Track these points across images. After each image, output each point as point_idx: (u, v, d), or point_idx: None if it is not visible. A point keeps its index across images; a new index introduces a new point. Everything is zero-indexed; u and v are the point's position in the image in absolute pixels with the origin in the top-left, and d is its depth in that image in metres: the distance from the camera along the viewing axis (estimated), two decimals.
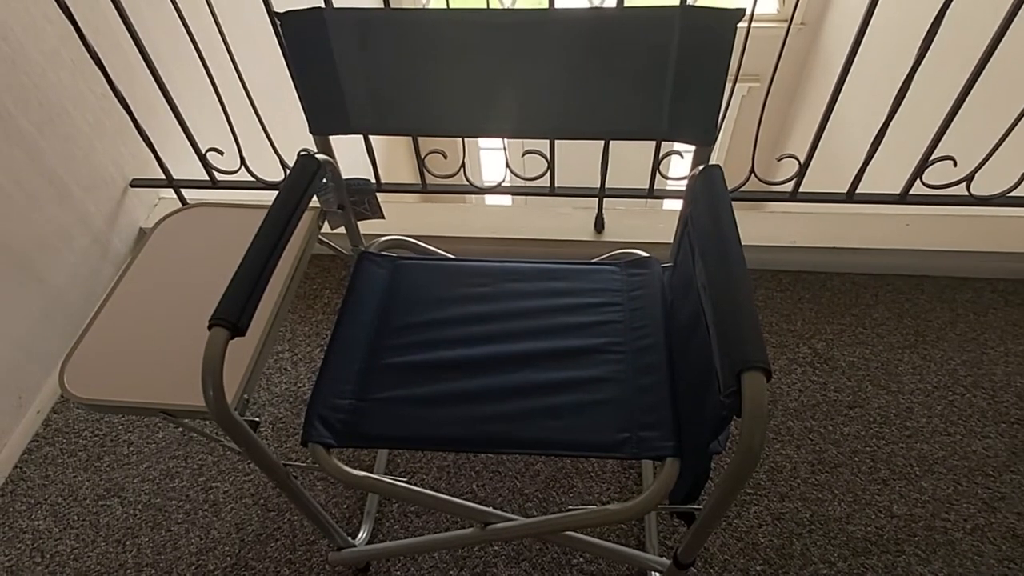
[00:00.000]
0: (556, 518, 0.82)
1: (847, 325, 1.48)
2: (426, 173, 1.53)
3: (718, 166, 0.83)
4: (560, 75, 0.85)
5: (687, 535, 0.81)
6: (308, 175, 0.88)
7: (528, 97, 0.87)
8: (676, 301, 0.93)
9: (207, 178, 1.62)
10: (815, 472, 1.23)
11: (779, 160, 1.47)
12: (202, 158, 1.56)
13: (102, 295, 1.57)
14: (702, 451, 0.75)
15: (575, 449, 0.80)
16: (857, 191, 1.49)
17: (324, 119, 0.93)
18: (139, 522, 1.23)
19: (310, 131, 0.95)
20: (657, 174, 1.48)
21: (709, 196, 0.80)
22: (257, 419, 0.79)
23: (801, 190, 1.52)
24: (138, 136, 1.50)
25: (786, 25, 1.35)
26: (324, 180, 0.99)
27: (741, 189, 1.51)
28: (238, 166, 1.56)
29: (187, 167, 1.62)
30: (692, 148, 0.89)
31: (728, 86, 0.85)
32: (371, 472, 1.26)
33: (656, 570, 1.03)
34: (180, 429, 1.36)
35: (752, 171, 1.47)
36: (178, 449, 1.33)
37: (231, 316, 0.70)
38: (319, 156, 0.91)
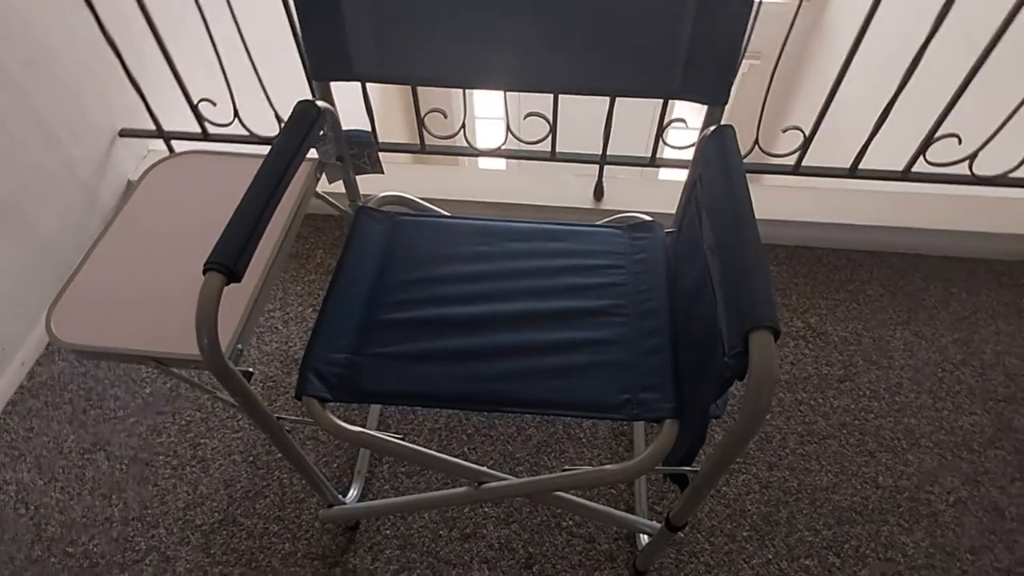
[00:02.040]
0: (552, 477, 0.82)
1: (841, 300, 1.48)
2: (425, 133, 1.49)
3: (730, 126, 0.82)
4: (570, 23, 0.82)
5: (682, 498, 0.81)
6: (308, 122, 0.85)
7: (535, 46, 0.84)
8: (680, 266, 0.92)
9: (199, 130, 1.57)
10: (804, 443, 1.24)
11: (784, 132, 1.45)
12: (194, 108, 1.51)
13: (88, 245, 1.52)
14: (701, 415, 0.74)
15: (575, 409, 0.79)
16: (859, 167, 1.49)
17: (326, 64, 0.89)
18: (126, 476, 1.21)
19: (312, 77, 0.92)
20: (661, 141, 1.46)
21: (721, 156, 0.78)
22: (251, 370, 0.77)
23: (803, 164, 1.51)
24: (128, 84, 1.45)
25: (790, 1, 1.32)
26: (323, 130, 0.96)
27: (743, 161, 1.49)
28: (231, 119, 1.51)
29: (178, 119, 1.57)
30: (699, 115, 0.87)
31: None
32: (364, 423, 1.25)
33: (646, 533, 1.04)
34: (169, 384, 1.34)
35: (756, 143, 1.45)
36: (166, 405, 1.31)
37: (227, 261, 0.68)
38: (320, 103, 0.88)
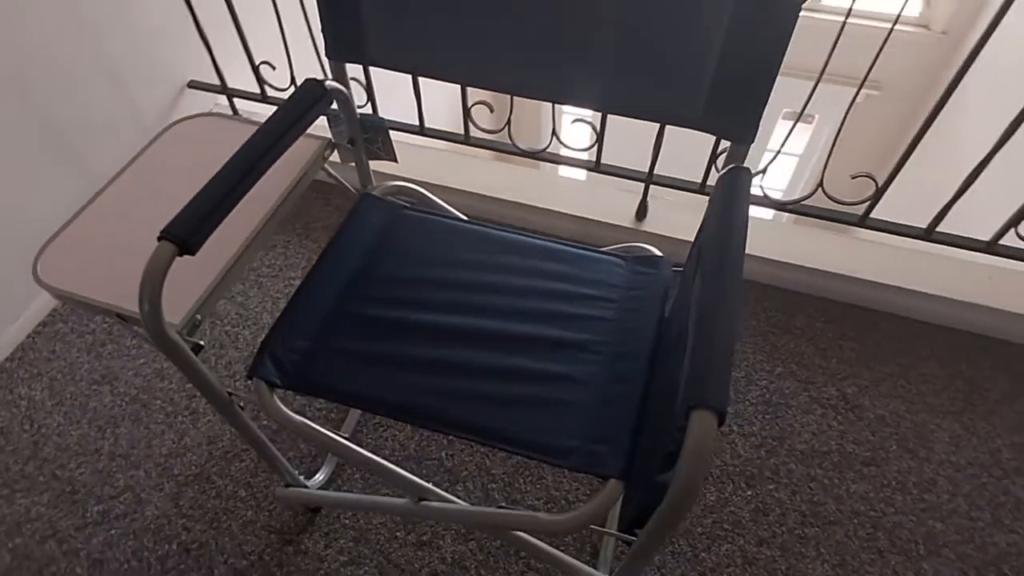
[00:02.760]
0: (485, 512, 0.77)
1: (888, 374, 1.33)
2: (470, 125, 1.45)
3: (747, 169, 0.72)
4: (593, 32, 0.75)
5: (624, 560, 0.74)
6: (309, 100, 0.83)
7: (551, 54, 0.78)
8: (674, 311, 0.83)
9: (259, 91, 1.61)
10: (805, 524, 1.12)
11: (853, 179, 1.31)
12: (255, 69, 1.54)
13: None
14: (651, 481, 0.67)
15: (516, 445, 0.73)
16: (938, 229, 1.32)
17: (341, 44, 0.87)
18: (123, 413, 1.26)
19: (326, 55, 0.90)
20: (713, 169, 1.35)
21: (725, 202, 0.69)
22: (202, 342, 0.76)
23: (872, 216, 1.35)
24: (199, 38, 1.50)
25: (925, 31, 1.17)
26: (336, 110, 0.94)
27: (804, 203, 1.36)
28: (288, 84, 1.54)
29: (245, 78, 1.61)
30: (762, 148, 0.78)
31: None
32: (345, 419, 1.24)
33: None
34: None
35: (820, 185, 1.32)
36: None
37: (182, 233, 0.67)
38: (328, 83, 0.86)
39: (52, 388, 1.30)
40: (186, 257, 0.68)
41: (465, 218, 1.01)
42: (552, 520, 0.71)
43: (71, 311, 1.42)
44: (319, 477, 1.15)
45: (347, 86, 0.92)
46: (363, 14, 0.83)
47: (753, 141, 0.75)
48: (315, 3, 0.85)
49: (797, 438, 1.23)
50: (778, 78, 0.70)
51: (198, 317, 0.78)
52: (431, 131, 1.53)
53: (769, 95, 0.70)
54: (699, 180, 1.41)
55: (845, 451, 1.22)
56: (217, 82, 1.62)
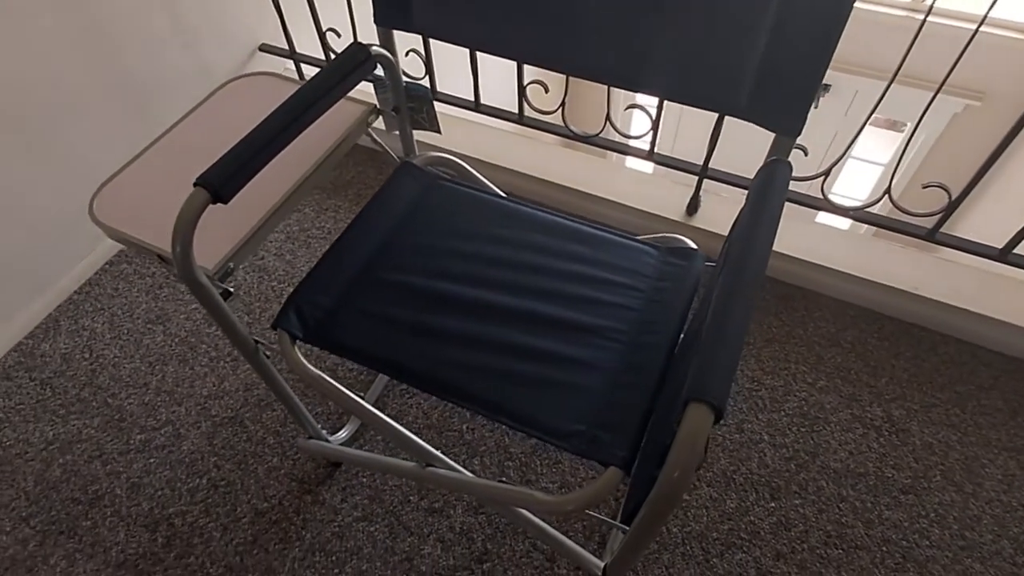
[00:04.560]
0: (486, 484, 0.77)
1: (942, 401, 1.24)
2: (525, 104, 1.44)
3: (787, 163, 0.69)
4: (637, 11, 0.73)
5: (617, 549, 0.72)
6: (352, 64, 0.84)
7: (596, 32, 0.76)
8: (700, 306, 0.81)
9: (323, 57, 1.65)
10: (828, 545, 1.07)
11: (924, 188, 1.21)
12: (321, 36, 1.58)
13: None
14: (651, 475, 0.65)
15: (522, 423, 0.73)
16: (1016, 251, 1.21)
17: (389, 10, 0.88)
18: (172, 353, 1.34)
19: (374, 20, 0.91)
20: None
21: (759, 194, 0.66)
22: (231, 289, 0.80)
23: (943, 231, 1.26)
24: (272, 4, 1.55)
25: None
26: (383, 77, 0.95)
27: (869, 210, 1.28)
28: None
29: (314, 44, 1.66)
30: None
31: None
32: (373, 382, 1.27)
33: (592, 573, 0.96)
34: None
35: (887, 192, 1.23)
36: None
37: (216, 181, 0.70)
38: (372, 48, 0.87)
39: (112, 323, 1.39)
40: (227, 208, 0.70)
41: (502, 194, 1.00)
42: (547, 500, 0.70)
43: (136, 253, 1.51)
44: (342, 434, 1.18)
45: (394, 53, 0.93)
46: None
47: (799, 133, 0.71)
48: None
49: (832, 455, 1.17)
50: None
51: (230, 265, 0.82)
52: (486, 108, 1.53)
53: (818, 85, 0.65)
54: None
55: (883, 475, 1.15)
56: (286, 47, 1.67)
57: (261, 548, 1.09)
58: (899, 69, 1.06)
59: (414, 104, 1.02)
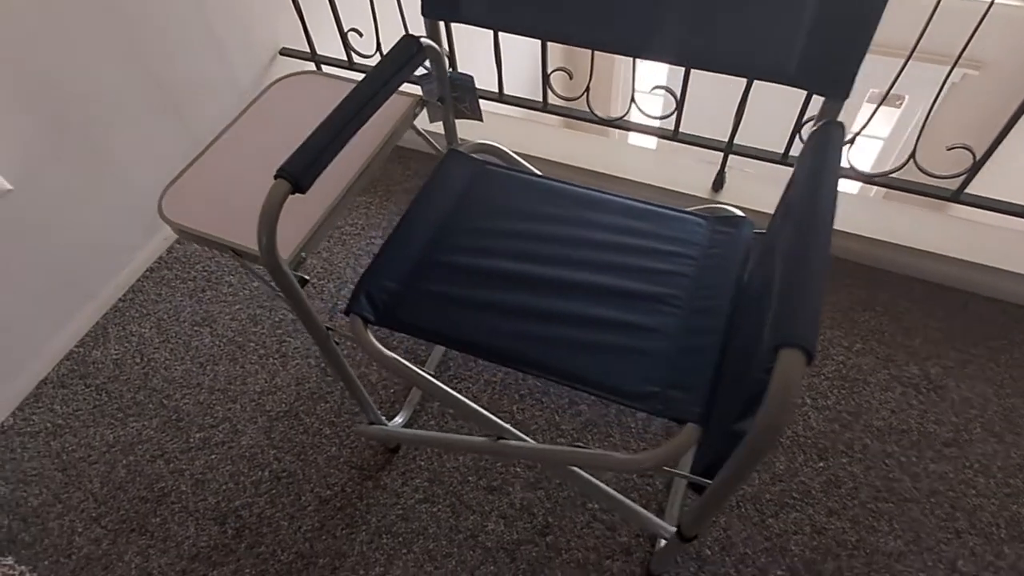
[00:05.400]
0: (559, 449, 0.80)
1: (976, 356, 1.27)
2: (549, 91, 1.47)
3: (839, 123, 0.72)
4: None
5: (693, 508, 0.76)
6: (405, 56, 0.87)
7: (641, 8, 0.79)
8: (755, 269, 0.84)
9: (346, 58, 1.68)
10: (878, 499, 1.11)
11: (949, 150, 1.25)
12: (343, 36, 1.61)
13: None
14: (727, 429, 0.68)
15: (598, 388, 0.76)
16: None
17: (436, 1, 0.91)
18: (221, 353, 1.37)
19: (422, 12, 0.94)
20: (797, 138, 1.32)
21: (817, 156, 0.69)
22: (307, 277, 0.83)
23: (967, 191, 1.29)
24: (292, 6, 1.58)
25: None
26: (428, 68, 0.98)
27: (894, 175, 1.31)
28: (374, 51, 1.60)
29: (334, 45, 1.69)
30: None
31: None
32: (423, 366, 1.31)
33: (662, 536, 0.99)
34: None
35: (912, 156, 1.27)
36: (266, 300, 1.45)
37: (296, 171, 0.73)
38: (423, 40, 0.90)
39: (159, 327, 1.43)
40: (294, 202, 0.74)
41: (541, 176, 1.04)
42: (626, 458, 0.74)
43: (175, 259, 1.54)
44: (398, 420, 1.21)
45: (440, 44, 0.96)
46: None
47: (848, 96, 0.74)
48: None
49: (874, 415, 1.21)
50: (864, 57, 0.69)
51: (303, 254, 0.85)
52: (510, 98, 1.56)
53: (869, 44, 0.68)
54: (781, 150, 1.38)
55: (925, 431, 1.18)
56: (307, 49, 1.70)
57: (329, 534, 1.12)
58: (916, 46, 1.10)
59: (457, 93, 1.05)
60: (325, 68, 1.73)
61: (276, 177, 0.73)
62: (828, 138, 0.70)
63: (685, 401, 0.73)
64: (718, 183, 1.47)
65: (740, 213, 0.94)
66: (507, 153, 1.09)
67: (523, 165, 1.08)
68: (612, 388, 0.76)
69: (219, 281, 1.50)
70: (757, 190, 1.47)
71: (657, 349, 0.79)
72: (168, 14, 1.38)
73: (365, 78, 0.83)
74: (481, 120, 1.08)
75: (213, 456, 1.23)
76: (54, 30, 1.18)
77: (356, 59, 1.66)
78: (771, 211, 1.42)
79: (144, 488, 1.20)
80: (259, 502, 1.17)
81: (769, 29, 0.76)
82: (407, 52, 0.87)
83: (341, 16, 1.57)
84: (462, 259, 0.91)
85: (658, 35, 0.82)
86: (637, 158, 1.56)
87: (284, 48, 1.74)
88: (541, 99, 1.52)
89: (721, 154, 1.42)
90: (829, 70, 0.73)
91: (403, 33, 1.51)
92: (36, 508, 1.18)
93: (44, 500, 1.19)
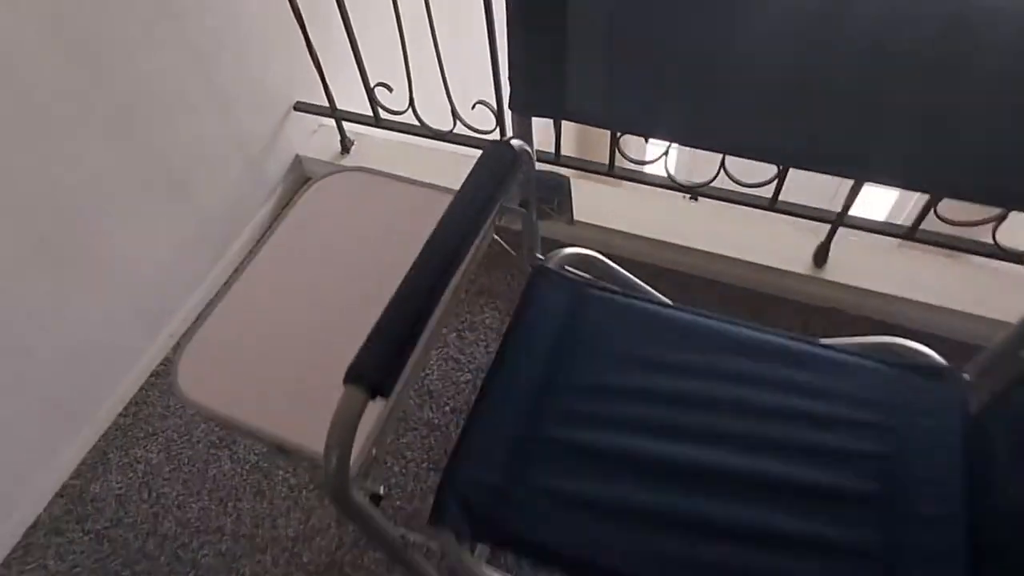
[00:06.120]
0: None
1: None
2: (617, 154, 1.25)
3: None
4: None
5: None
6: (502, 169, 0.65)
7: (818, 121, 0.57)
8: (1000, 455, 0.62)
9: (371, 114, 1.45)
10: None
11: None
12: (369, 92, 1.39)
13: (248, 219, 1.48)
14: None
15: None
16: None
17: (533, 98, 0.68)
18: (244, 484, 1.15)
19: (510, 106, 0.71)
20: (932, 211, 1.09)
21: None
22: (380, 492, 0.61)
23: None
24: (308, 58, 1.35)
25: None
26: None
27: None
28: (406, 107, 1.37)
29: (354, 101, 1.46)
30: None
31: None
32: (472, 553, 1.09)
33: None
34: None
35: None
36: None
37: (374, 375, 0.51)
38: (514, 143, 0.68)
39: (169, 451, 1.20)
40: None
41: (664, 299, 0.81)
42: None
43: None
44: None
45: (531, 142, 0.74)
46: (569, 72, 0.64)
47: None
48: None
49: None
50: None
51: (373, 451, 0.63)
52: (568, 160, 1.34)
53: None
54: (900, 222, 1.17)
55: None
56: (326, 103, 1.48)
57: None
58: None
59: (543, 194, 0.83)
60: (347, 126, 1.51)
61: (346, 382, 0.51)
62: None
63: None
64: (821, 256, 1.25)
65: (935, 356, 0.72)
66: (606, 263, 0.87)
67: (628, 280, 0.86)
68: None
69: None
70: (867, 263, 1.25)
71: None
72: (163, 75, 1.16)
73: (455, 208, 0.60)
74: (573, 223, 0.86)
75: None
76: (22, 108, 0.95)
77: (384, 115, 1.43)
78: (890, 292, 1.20)
79: None
80: None
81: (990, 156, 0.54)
82: (504, 162, 0.65)
83: (366, 65, 1.35)
84: (580, 435, 0.69)
85: (842, 149, 0.60)
86: (720, 225, 1.34)
87: (299, 102, 1.51)
88: (607, 162, 1.29)
89: (827, 225, 1.21)
90: None
91: (436, 87, 1.29)
92: None
93: None
